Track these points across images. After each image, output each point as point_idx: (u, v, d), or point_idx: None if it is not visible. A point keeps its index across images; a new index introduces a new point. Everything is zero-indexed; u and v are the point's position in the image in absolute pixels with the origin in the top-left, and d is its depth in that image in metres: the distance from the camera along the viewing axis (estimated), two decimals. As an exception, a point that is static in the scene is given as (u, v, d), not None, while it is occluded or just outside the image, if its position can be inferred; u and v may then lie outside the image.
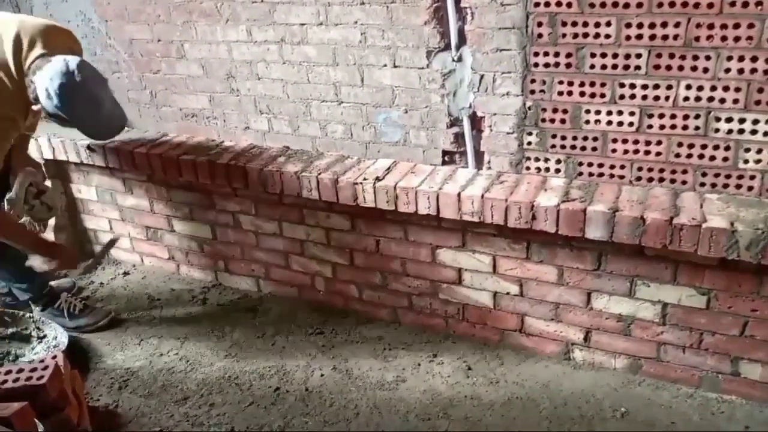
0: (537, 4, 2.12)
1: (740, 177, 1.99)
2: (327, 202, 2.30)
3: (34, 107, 2.02)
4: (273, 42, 2.72)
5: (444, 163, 2.69)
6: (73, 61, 1.92)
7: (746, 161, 1.96)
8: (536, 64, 2.31)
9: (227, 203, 2.51)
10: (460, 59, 2.44)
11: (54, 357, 2.01)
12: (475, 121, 2.54)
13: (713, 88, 1.96)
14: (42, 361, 1.98)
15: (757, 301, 1.85)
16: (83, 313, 2.51)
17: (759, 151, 1.93)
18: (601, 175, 2.38)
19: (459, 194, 2.02)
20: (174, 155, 2.50)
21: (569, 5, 2.08)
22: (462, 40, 2.40)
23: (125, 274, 2.89)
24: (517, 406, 2.02)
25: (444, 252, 2.22)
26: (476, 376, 2.16)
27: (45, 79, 1.89)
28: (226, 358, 2.32)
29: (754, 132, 1.92)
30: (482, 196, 1.99)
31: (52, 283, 2.69)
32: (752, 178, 1.97)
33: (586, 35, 2.19)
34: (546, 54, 2.28)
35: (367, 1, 2.42)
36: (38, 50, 1.99)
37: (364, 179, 2.17)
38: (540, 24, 2.22)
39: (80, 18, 2.88)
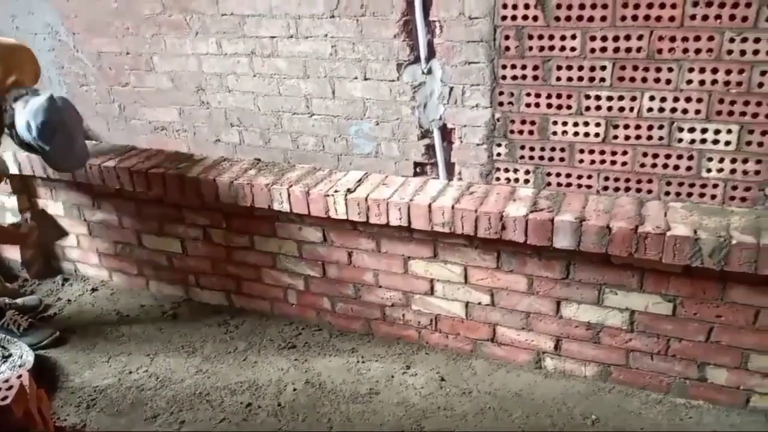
0: (504, 18, 2.16)
1: (703, 186, 2.03)
2: (298, 214, 2.30)
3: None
4: (243, 54, 2.71)
5: (416, 174, 2.71)
6: (59, 100, 2.05)
7: (709, 170, 2.01)
8: (504, 77, 2.34)
9: (197, 217, 2.49)
10: (429, 72, 2.47)
11: (19, 376, 1.95)
12: (446, 133, 2.57)
13: (676, 99, 2.01)
14: (6, 380, 1.93)
15: (722, 307, 1.89)
16: (27, 331, 2.47)
17: (721, 160, 1.98)
18: (569, 185, 2.41)
19: (430, 205, 2.04)
20: (143, 169, 2.47)
21: (535, 19, 2.11)
22: (431, 53, 2.43)
23: (93, 290, 2.83)
24: (490, 417, 2.03)
25: (416, 263, 2.23)
26: (449, 386, 2.16)
27: (28, 113, 2.00)
28: (197, 375, 2.29)
29: (716, 142, 1.97)
30: (453, 206, 2.01)
31: (19, 300, 2.63)
32: (715, 186, 2.01)
33: (552, 48, 2.23)
34: (513, 66, 2.31)
35: (337, 14, 2.44)
36: (12, 76, 2.12)
37: (336, 191, 2.17)
38: (507, 37, 2.26)
39: (47, 31, 2.84)
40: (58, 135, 2.06)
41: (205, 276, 2.63)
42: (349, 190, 2.17)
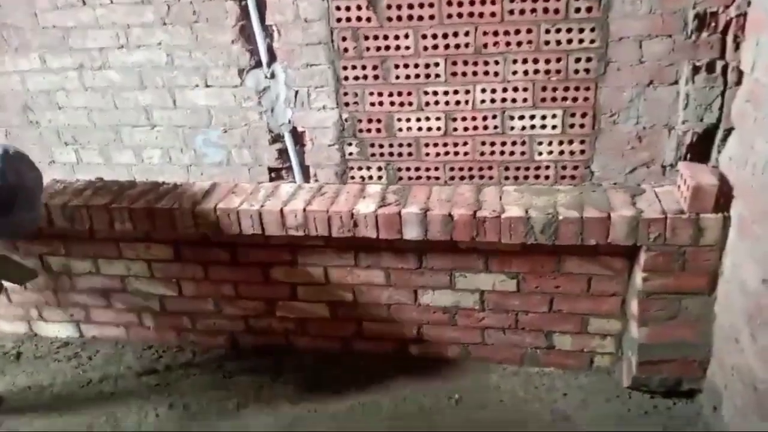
0: (339, 20, 2.19)
1: (537, 168, 2.20)
2: (145, 232, 2.18)
3: None
4: (71, 69, 2.54)
5: (272, 179, 2.68)
6: (14, 158, 1.66)
7: (540, 153, 2.18)
8: (347, 78, 2.38)
9: (31, 246, 2.29)
10: (273, 76, 2.45)
11: None
12: (297, 136, 2.56)
13: (505, 90, 2.15)
14: None
15: (559, 278, 2.05)
16: None
17: (549, 143, 2.15)
18: (419, 178, 2.51)
19: (281, 210, 2.02)
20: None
21: (369, 20, 2.17)
22: (272, 57, 2.42)
23: None
24: (359, 412, 2.05)
25: (276, 269, 2.21)
26: (320, 388, 2.16)
27: None
28: (49, 415, 2.10)
29: (543, 127, 2.13)
30: (304, 209, 2.01)
31: None
32: (547, 168, 2.18)
33: (387, 48, 2.30)
34: (354, 67, 2.36)
35: (169, 21, 2.35)
36: None
37: (183, 204, 2.09)
38: (344, 39, 2.30)
39: None
40: (18, 201, 1.67)
41: (49, 308, 2.42)
42: (195, 203, 2.09)
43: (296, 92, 2.45)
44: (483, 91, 2.33)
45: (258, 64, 2.45)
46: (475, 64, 2.28)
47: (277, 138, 2.62)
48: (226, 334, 2.35)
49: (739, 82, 1.85)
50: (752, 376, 1.63)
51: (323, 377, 2.21)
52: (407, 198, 2.02)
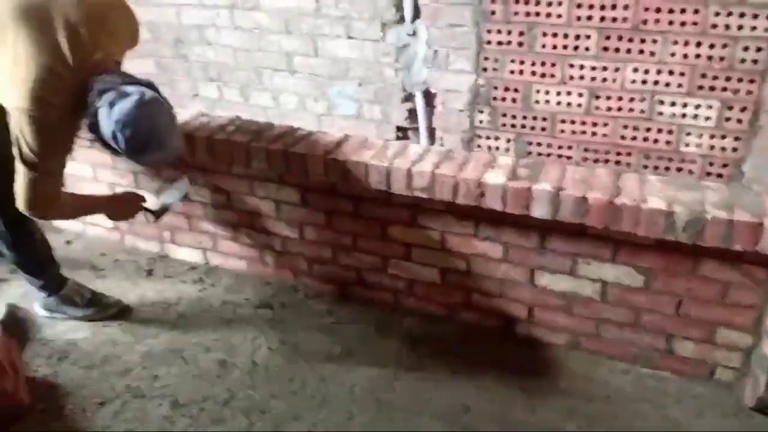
0: (491, -20, 2.12)
1: (682, 160, 2.04)
2: (277, 174, 2.27)
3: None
4: (224, 6, 2.64)
5: (398, 138, 2.68)
6: (146, 108, 1.72)
7: (687, 145, 2.02)
8: (489, 42, 2.31)
9: (174, 172, 2.44)
10: (414, 33, 2.42)
11: (-11, 327, 1.95)
12: (429, 98, 2.54)
13: (659, 72, 2.00)
14: (-24, 331, 1.92)
15: (693, 281, 1.92)
16: (91, 302, 2.36)
17: (700, 136, 1.99)
18: (549, 155, 2.41)
19: (409, 169, 2.02)
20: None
21: (522, -17, 2.08)
22: (417, 13, 2.38)
23: (68, 242, 2.79)
24: (462, 380, 2.06)
25: (394, 228, 2.23)
26: (422, 350, 2.19)
27: (114, 122, 1.69)
28: (172, 331, 2.29)
29: (695, 117, 1.97)
30: (432, 171, 1.99)
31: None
32: (693, 162, 2.03)
33: (538, 14, 2.19)
34: (499, 32, 2.28)
35: (322, -32, 2.37)
36: (100, 52, 1.77)
37: (316, 152, 2.14)
38: (493, 1, 2.21)
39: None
40: (150, 146, 1.75)
41: (181, 232, 2.60)
42: (328, 152, 2.14)
43: (435, 52, 2.41)
44: (635, 70, 2.18)
45: (401, 20, 2.43)
46: (630, 40, 2.13)
47: (408, 97, 2.61)
48: (338, 283, 2.42)
49: None
50: None
51: (427, 340, 2.24)
52: (539, 174, 1.95)
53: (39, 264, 2.28)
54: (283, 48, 2.63)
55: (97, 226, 2.83)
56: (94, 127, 1.77)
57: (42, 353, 2.20)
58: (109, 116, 1.70)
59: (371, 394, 2.02)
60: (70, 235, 2.85)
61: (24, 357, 2.17)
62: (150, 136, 1.74)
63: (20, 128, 1.77)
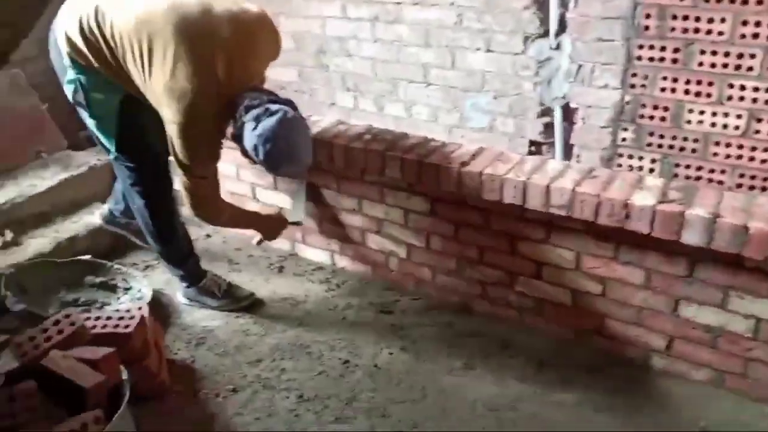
0: (647, -6, 2.03)
1: None
2: (408, 183, 2.30)
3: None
4: (366, 20, 2.73)
5: (530, 153, 2.64)
6: (288, 125, 1.88)
7: None
8: (639, 57, 2.22)
9: (311, 176, 2.55)
10: (558, 47, 2.38)
11: (140, 308, 2.11)
12: (568, 113, 2.48)
13: (833, 95, 1.83)
14: (128, 311, 2.08)
15: None
16: (227, 293, 2.49)
17: None
18: (698, 178, 2.27)
19: (548, 186, 1.97)
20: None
21: (683, -3, 1.98)
22: (562, 27, 2.34)
23: (207, 236, 2.98)
24: (589, 408, 1.97)
25: (525, 244, 2.18)
26: (548, 373, 2.12)
27: (257, 137, 1.86)
28: (299, 327, 2.37)
29: None
30: (573, 189, 1.93)
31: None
32: None
33: (697, 30, 2.09)
34: (651, 47, 2.18)
35: (467, -18, 2.39)
36: (249, 74, 1.97)
37: (449, 163, 2.15)
38: (648, 16, 2.13)
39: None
40: (286, 161, 1.95)
41: (312, 234, 2.70)
42: (463, 163, 2.14)
43: (579, 66, 2.35)
44: (805, 92, 2.01)
45: (545, 34, 2.39)
46: (802, 60, 1.97)
47: (545, 112, 2.56)
48: (461, 295, 2.41)
49: None
50: None
51: (553, 362, 2.16)
52: (693, 198, 1.83)
53: (181, 256, 2.45)
54: (420, 60, 2.67)
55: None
56: (238, 139, 1.95)
57: (181, 338, 2.35)
58: (253, 131, 1.87)
59: (493, 412, 1.98)
60: (210, 230, 3.03)
61: (165, 340, 2.32)
62: (287, 152, 1.90)
63: (173, 138, 1.97)
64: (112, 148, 2.16)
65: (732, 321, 1.89)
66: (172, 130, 1.95)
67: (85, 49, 1.97)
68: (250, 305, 2.48)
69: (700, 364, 2.00)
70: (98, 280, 2.53)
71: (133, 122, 2.10)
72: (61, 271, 2.51)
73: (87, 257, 2.60)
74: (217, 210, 2.22)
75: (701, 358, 1.99)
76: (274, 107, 1.89)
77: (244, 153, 1.98)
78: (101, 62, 1.98)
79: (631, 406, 1.97)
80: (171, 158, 2.06)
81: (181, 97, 1.88)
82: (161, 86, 1.90)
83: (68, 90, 2.09)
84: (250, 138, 1.88)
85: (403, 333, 2.33)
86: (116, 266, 2.56)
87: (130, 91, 2.03)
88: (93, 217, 2.77)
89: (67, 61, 2.03)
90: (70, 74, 2.04)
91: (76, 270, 2.54)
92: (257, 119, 1.86)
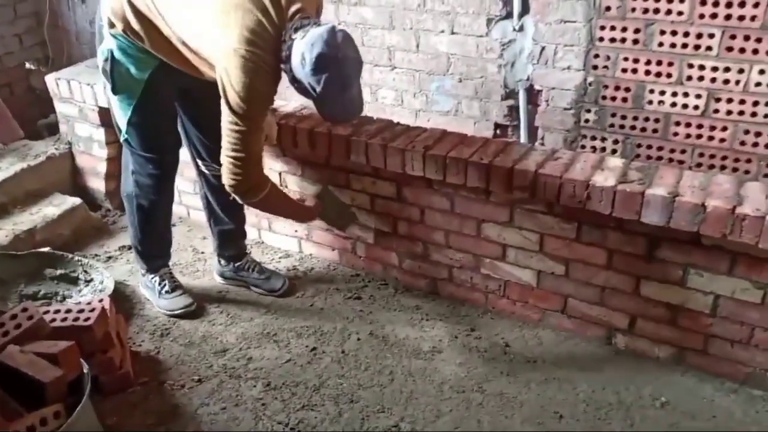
0: (608, -25, 2.04)
1: (810, 170, 1.90)
2: (374, 167, 2.28)
3: (282, 67, 1.84)
4: (330, 1, 2.68)
5: (495, 136, 2.64)
6: (340, 34, 1.77)
7: (818, 153, 1.87)
8: (601, 38, 2.23)
9: (274, 162, 2.51)
10: (521, 29, 2.37)
11: (101, 300, 2.06)
12: (532, 95, 2.48)
13: (790, 75, 1.86)
14: (89, 303, 2.04)
15: (818, 300, 1.77)
16: (267, 276, 2.50)
17: (833, 144, 1.83)
18: (659, 158, 2.30)
19: (512, 168, 1.98)
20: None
21: (642, -22, 1.99)
22: (525, 8, 2.33)
23: (172, 225, 2.93)
24: (554, 387, 2.00)
25: (489, 226, 2.19)
26: (513, 353, 2.14)
27: (305, 44, 1.74)
28: (266, 315, 2.36)
29: (829, 124, 1.82)
30: (536, 171, 1.94)
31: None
32: (822, 171, 1.87)
33: (657, 11, 2.10)
34: (613, 28, 2.19)
35: (430, -37, 2.36)
36: (296, 4, 1.84)
37: (413, 147, 2.14)
38: (609, -4, 2.13)
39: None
40: (331, 72, 1.75)
41: (278, 221, 2.67)
42: (427, 147, 2.13)
43: (542, 48, 2.35)
44: (761, 72, 2.05)
45: (508, 15, 2.38)
46: (759, 41, 2.00)
47: (510, 94, 2.56)
48: (428, 279, 2.41)
49: None
50: None
51: (519, 344, 2.18)
52: (653, 178, 1.85)
53: (147, 254, 2.41)
54: (385, 43, 2.64)
55: (199, 210, 2.94)
56: (287, 60, 1.80)
57: (146, 329, 2.32)
58: (300, 41, 1.75)
59: (460, 394, 1.99)
60: (174, 218, 2.98)
61: (129, 332, 2.29)
62: (334, 61, 1.74)
63: (228, 72, 1.82)
64: (124, 129, 2.13)
65: (691, 298, 1.92)
66: (229, 62, 1.81)
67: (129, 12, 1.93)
68: (288, 291, 2.47)
69: (661, 341, 2.04)
70: (58, 272, 2.47)
71: (153, 108, 2.09)
72: (19, 264, 2.45)
73: (46, 249, 2.54)
74: (261, 178, 2.02)
75: (662, 336, 2.03)
76: (328, 25, 1.79)
77: (294, 79, 1.83)
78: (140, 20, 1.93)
79: (596, 383, 2.01)
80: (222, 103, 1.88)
81: (238, 24, 1.79)
82: (212, 19, 1.83)
83: (100, 59, 2.06)
84: (297, 49, 1.75)
85: (371, 318, 2.33)
86: (77, 258, 2.50)
87: (164, 59, 1.98)
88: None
89: (104, 23, 1.99)
90: (105, 43, 2.02)
91: (36, 262, 2.48)
92: (305, 32, 1.77)
